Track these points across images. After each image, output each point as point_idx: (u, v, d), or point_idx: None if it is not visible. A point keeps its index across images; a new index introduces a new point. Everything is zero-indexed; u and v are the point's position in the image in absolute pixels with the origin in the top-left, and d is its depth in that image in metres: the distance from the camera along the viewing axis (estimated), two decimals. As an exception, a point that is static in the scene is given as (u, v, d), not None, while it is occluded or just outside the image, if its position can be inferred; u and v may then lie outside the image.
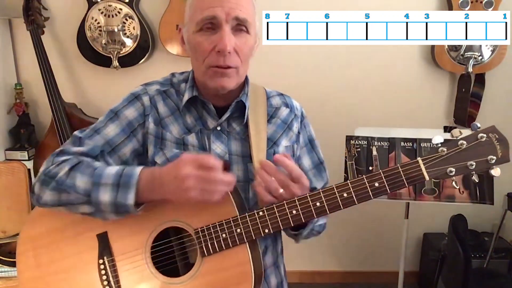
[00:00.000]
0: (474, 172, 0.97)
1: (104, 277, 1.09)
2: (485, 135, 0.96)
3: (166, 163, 1.11)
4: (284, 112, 1.22)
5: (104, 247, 1.09)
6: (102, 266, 1.09)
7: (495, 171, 0.96)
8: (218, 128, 1.15)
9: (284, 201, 1.02)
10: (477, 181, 0.98)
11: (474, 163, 0.95)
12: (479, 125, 0.98)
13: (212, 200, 0.96)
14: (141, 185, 0.99)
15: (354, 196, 0.99)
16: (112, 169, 1.02)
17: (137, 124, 1.14)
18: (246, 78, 1.19)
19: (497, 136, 0.96)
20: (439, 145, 0.98)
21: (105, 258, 1.09)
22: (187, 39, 1.12)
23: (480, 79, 2.65)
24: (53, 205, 1.05)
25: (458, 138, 0.97)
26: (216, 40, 1.04)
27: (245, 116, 1.16)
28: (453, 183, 1.00)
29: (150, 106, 1.15)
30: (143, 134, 1.14)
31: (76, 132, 1.14)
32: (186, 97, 1.15)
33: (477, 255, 2.56)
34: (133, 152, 1.14)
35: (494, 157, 0.95)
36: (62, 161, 1.06)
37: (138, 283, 1.08)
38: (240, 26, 1.06)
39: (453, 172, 0.96)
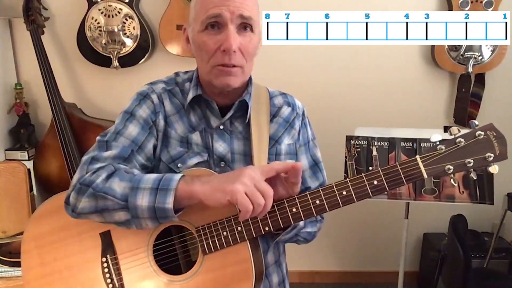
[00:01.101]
0: (472, 170, 0.97)
1: (107, 275, 1.10)
2: (483, 132, 0.96)
3: (170, 160, 1.13)
4: (286, 111, 1.23)
5: (107, 246, 1.10)
6: (105, 264, 1.10)
7: (493, 169, 0.96)
8: (221, 127, 1.16)
9: (284, 199, 1.02)
10: (475, 178, 0.98)
11: (472, 161, 0.96)
12: (477, 122, 0.98)
13: (249, 211, 0.92)
14: (181, 189, 0.97)
15: (353, 194, 1.00)
16: (152, 175, 1.02)
17: (151, 121, 1.15)
18: (250, 78, 1.19)
19: (495, 134, 0.97)
20: (437, 143, 0.98)
21: (108, 256, 1.10)
22: (192, 39, 1.13)
23: (480, 79, 2.65)
24: (90, 212, 1.02)
25: (456, 136, 0.98)
26: (222, 40, 1.05)
27: (248, 116, 1.16)
28: (452, 180, 1.00)
29: (159, 104, 1.16)
30: (156, 131, 1.15)
31: (99, 137, 1.13)
32: (190, 96, 1.16)
33: (477, 255, 2.56)
34: (154, 148, 1.14)
35: (492, 155, 0.95)
36: (97, 168, 1.04)
37: (141, 280, 1.08)
38: (245, 25, 1.07)
39: (451, 170, 0.97)
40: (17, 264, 2.03)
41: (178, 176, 0.99)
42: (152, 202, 0.97)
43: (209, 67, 1.09)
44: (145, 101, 1.16)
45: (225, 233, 1.03)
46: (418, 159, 0.98)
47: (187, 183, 0.98)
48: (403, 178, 0.98)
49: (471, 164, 0.96)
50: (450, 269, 2.27)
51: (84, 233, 1.12)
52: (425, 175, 0.97)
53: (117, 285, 1.10)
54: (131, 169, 1.06)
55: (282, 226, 1.03)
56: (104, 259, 1.11)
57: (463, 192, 2.01)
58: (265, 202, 0.94)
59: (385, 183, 0.98)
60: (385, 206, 2.43)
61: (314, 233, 1.22)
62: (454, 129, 0.98)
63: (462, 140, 0.97)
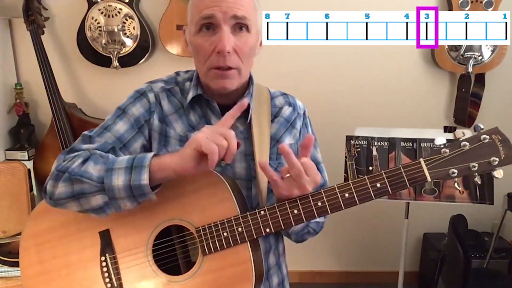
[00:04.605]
0: (476, 174, 0.96)
1: (106, 274, 1.10)
2: (488, 136, 0.95)
3: None
4: (287, 111, 1.23)
5: (106, 244, 1.10)
6: (104, 263, 1.10)
7: (498, 173, 0.95)
8: None
9: (286, 201, 1.02)
10: (479, 182, 0.96)
11: (477, 165, 0.94)
12: (482, 126, 0.96)
13: (215, 151, 0.90)
14: (154, 164, 0.97)
15: (355, 196, 0.98)
16: (125, 156, 1.02)
17: (143, 120, 1.14)
18: (251, 78, 1.19)
19: (500, 138, 0.95)
20: (442, 146, 0.97)
21: (107, 255, 1.10)
22: (189, 41, 1.13)
23: (480, 79, 2.65)
24: (66, 198, 1.01)
25: (461, 139, 0.96)
26: (216, 41, 1.05)
27: (249, 116, 1.16)
28: (455, 184, 0.99)
29: (155, 103, 1.15)
30: (149, 131, 1.14)
31: (85, 132, 1.14)
32: (190, 95, 1.15)
33: (477, 255, 2.56)
34: (142, 148, 1.14)
35: (497, 159, 0.94)
36: (73, 156, 1.05)
37: (140, 280, 1.08)
38: (240, 25, 1.06)
39: (455, 174, 0.95)
40: (17, 264, 2.03)
41: (150, 154, 0.99)
42: (128, 180, 0.96)
43: (205, 69, 1.09)
44: (141, 99, 1.16)
45: (225, 233, 1.03)
46: (422, 162, 0.96)
47: (158, 158, 0.98)
48: (406, 181, 0.96)
49: (476, 168, 0.94)
50: (450, 269, 2.28)
51: (83, 232, 1.11)
52: (428, 179, 0.95)
53: (115, 285, 1.09)
54: (105, 154, 1.06)
55: (283, 228, 1.02)
56: (103, 258, 1.10)
57: (463, 192, 2.00)
58: (228, 142, 0.92)
59: (388, 186, 0.97)
60: (385, 206, 2.43)
61: (322, 224, 1.22)
62: (459, 132, 0.96)
63: (467, 143, 0.95)
